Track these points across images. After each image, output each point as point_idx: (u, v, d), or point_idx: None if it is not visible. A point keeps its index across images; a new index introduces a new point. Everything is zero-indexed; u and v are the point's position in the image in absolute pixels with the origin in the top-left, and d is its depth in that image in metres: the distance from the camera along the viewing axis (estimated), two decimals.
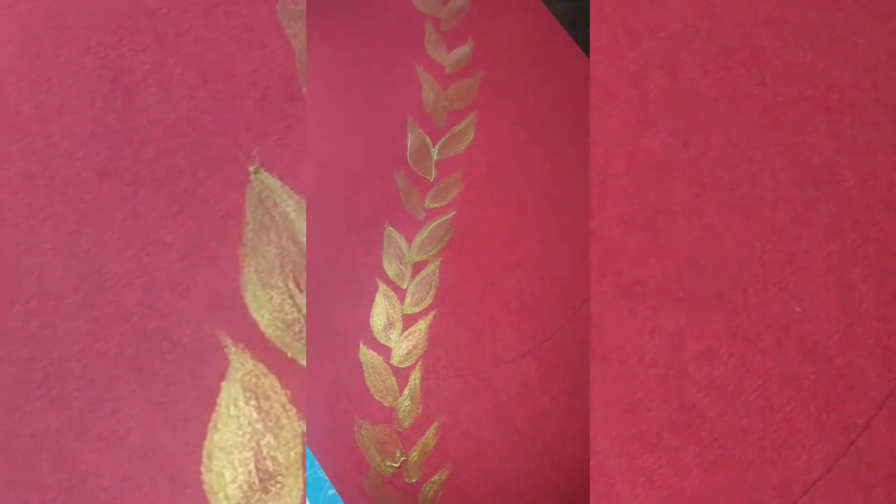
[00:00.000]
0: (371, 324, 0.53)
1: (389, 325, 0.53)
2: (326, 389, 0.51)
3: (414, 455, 0.49)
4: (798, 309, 0.38)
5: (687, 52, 0.41)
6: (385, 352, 0.52)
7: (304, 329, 0.38)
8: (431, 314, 0.53)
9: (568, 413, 0.49)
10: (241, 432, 0.37)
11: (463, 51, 0.64)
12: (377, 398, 0.51)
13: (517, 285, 0.53)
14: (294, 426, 0.37)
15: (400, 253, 0.55)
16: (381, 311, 0.53)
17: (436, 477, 0.49)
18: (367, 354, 0.52)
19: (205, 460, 0.36)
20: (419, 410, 0.51)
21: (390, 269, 0.54)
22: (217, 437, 0.37)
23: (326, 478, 0.50)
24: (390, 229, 0.55)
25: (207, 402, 0.37)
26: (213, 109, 0.39)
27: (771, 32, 0.41)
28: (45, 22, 0.39)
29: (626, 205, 0.39)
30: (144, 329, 0.37)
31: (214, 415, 0.37)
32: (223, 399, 0.37)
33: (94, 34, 0.39)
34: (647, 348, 0.37)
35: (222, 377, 0.37)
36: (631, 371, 0.37)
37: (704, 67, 0.41)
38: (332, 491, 0.51)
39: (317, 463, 0.51)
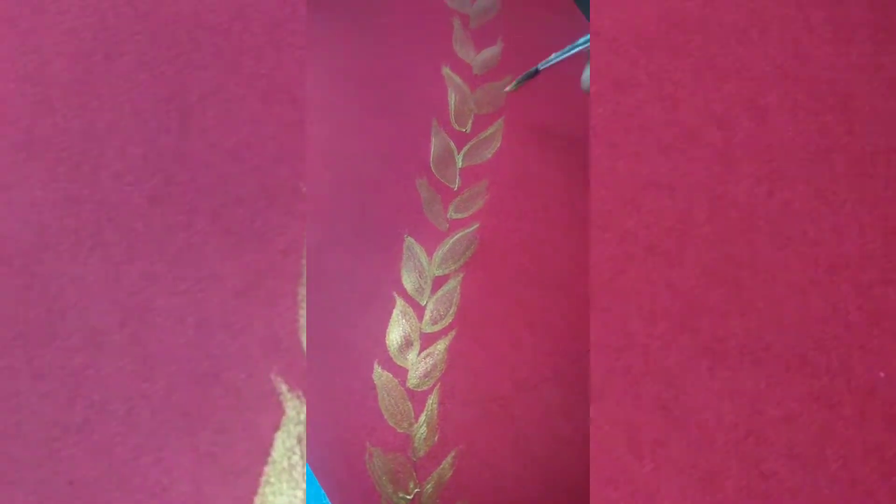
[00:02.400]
0: (387, 342, 0.51)
1: (407, 344, 0.50)
2: (336, 412, 0.49)
3: (429, 487, 0.47)
4: (883, 374, 0.36)
5: (774, 94, 0.39)
6: (401, 373, 0.50)
7: None
8: (451, 334, 0.51)
9: None
10: (295, 487, 0.34)
11: (492, 52, 0.62)
12: (391, 424, 0.49)
13: (542, 305, 0.51)
14: None
15: (420, 266, 0.52)
16: (398, 328, 0.51)
17: None
18: (381, 376, 0.50)
19: None
20: (436, 438, 0.48)
21: (409, 283, 0.52)
22: (269, 491, 0.34)
23: None
24: (410, 241, 0.53)
25: (261, 454, 0.34)
26: (274, 135, 0.36)
27: (862, 78, 0.39)
28: (97, 34, 0.36)
29: (709, 256, 0.36)
30: (194, 372, 0.34)
31: (267, 468, 0.34)
32: (277, 450, 0.34)
33: (150, 49, 0.36)
34: (725, 411, 0.35)
35: (276, 427, 0.34)
36: (709, 435, 0.35)
37: (792, 112, 0.38)
38: None
39: (323, 493, 0.48)
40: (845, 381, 0.37)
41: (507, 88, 0.57)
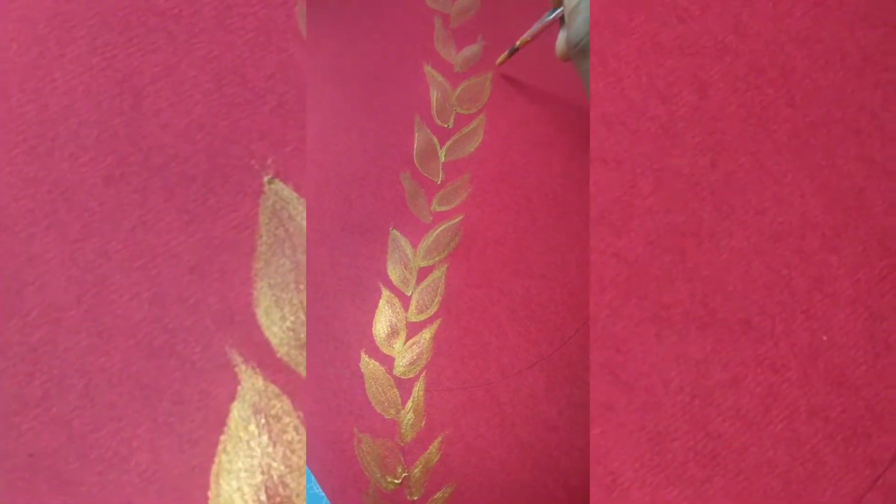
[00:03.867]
0: (373, 332, 0.52)
1: (393, 333, 0.51)
2: (325, 400, 0.50)
3: (416, 471, 0.48)
4: (825, 338, 0.37)
5: (716, 69, 0.40)
6: (388, 362, 0.51)
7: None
8: (436, 323, 0.51)
9: (576, 427, 0.48)
10: (250, 456, 0.35)
11: (473, 49, 0.63)
12: (378, 410, 0.50)
13: (525, 293, 0.52)
14: (304, 450, 0.35)
15: (405, 258, 0.53)
16: (385, 318, 0.52)
17: (439, 494, 0.48)
18: (368, 364, 0.51)
19: (212, 485, 0.35)
20: (422, 424, 0.49)
21: (395, 274, 0.53)
22: (226, 460, 0.35)
23: (323, 494, 0.49)
24: (395, 233, 0.54)
25: (216, 424, 0.35)
26: (226, 115, 0.37)
27: (801, 52, 0.40)
28: (50, 20, 0.37)
29: (653, 225, 0.37)
30: (151, 345, 0.35)
31: (223, 437, 0.35)
32: (233, 421, 0.35)
33: (102, 34, 0.37)
34: (672, 375, 0.36)
35: (232, 397, 0.35)
36: (656, 399, 0.36)
37: (733, 85, 0.39)
38: None
39: (313, 478, 0.49)
40: (789, 345, 0.37)
41: (499, 61, 0.58)
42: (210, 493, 0.35)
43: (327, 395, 0.50)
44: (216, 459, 0.35)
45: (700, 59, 0.41)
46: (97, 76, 0.37)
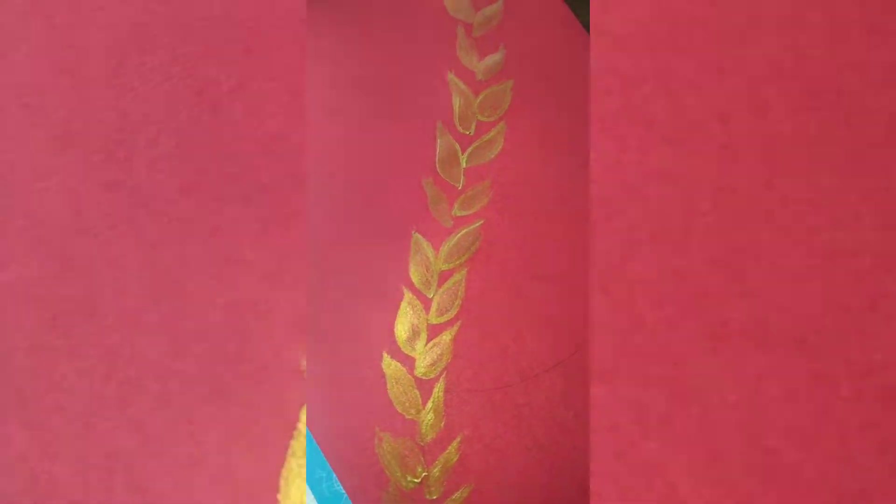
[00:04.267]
0: (395, 333, 0.53)
1: (414, 334, 0.52)
2: (347, 400, 0.50)
3: (435, 471, 0.48)
4: (879, 357, 0.37)
5: (773, 90, 0.40)
6: (409, 362, 0.51)
7: None
8: (457, 325, 0.52)
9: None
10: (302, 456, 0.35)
11: (495, 58, 0.63)
12: (399, 410, 0.50)
13: (543, 298, 0.52)
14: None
15: (427, 261, 0.54)
16: (406, 320, 0.53)
17: (457, 494, 0.49)
18: (390, 365, 0.51)
19: (282, 488, 0.35)
20: (442, 424, 0.50)
21: (416, 277, 0.54)
22: (295, 464, 0.36)
23: (344, 492, 0.49)
24: (417, 236, 0.55)
25: (286, 428, 0.36)
26: (301, 126, 0.38)
27: (857, 75, 0.41)
28: (130, 29, 0.38)
29: (711, 243, 0.38)
30: (224, 350, 0.36)
31: (293, 441, 0.36)
32: (303, 425, 0.36)
33: (181, 44, 0.38)
34: (729, 391, 0.37)
35: (302, 402, 0.36)
36: (712, 414, 0.36)
37: (790, 107, 0.40)
38: None
39: (334, 476, 0.49)
40: (843, 364, 0.38)
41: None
42: (279, 496, 0.35)
43: (349, 394, 0.51)
44: (286, 463, 0.36)
45: (758, 80, 0.41)
46: (176, 85, 0.38)
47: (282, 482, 0.36)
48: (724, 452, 0.37)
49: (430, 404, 0.51)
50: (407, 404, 0.51)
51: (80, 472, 0.34)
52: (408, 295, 0.54)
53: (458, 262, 0.55)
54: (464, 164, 0.59)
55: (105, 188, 0.36)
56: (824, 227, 0.39)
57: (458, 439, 0.50)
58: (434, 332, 0.53)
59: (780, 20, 0.42)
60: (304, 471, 0.36)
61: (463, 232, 0.56)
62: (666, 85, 0.41)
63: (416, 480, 0.49)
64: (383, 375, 0.52)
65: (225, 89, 0.37)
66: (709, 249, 0.39)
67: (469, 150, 0.60)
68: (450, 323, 0.53)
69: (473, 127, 0.61)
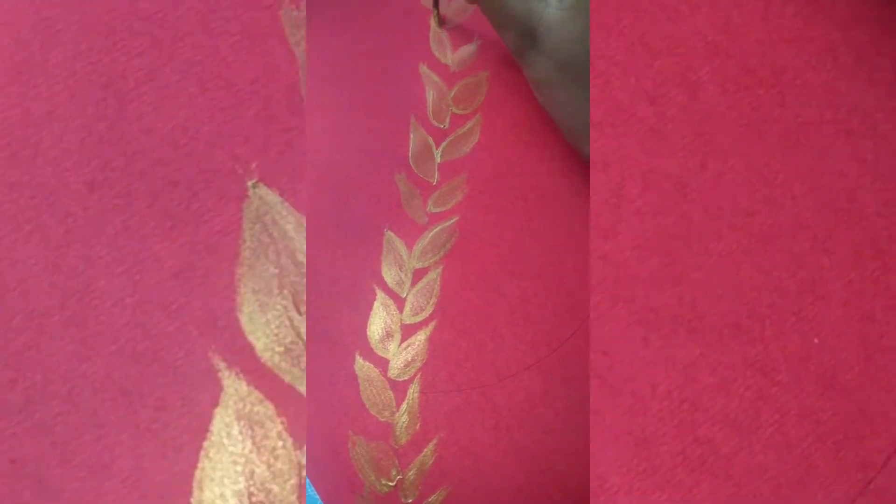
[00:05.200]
0: (368, 334, 0.52)
1: (387, 335, 0.51)
2: (319, 402, 0.49)
3: (411, 474, 0.47)
4: (817, 340, 0.37)
5: (706, 69, 0.39)
6: (382, 364, 0.50)
7: (304, 354, 0.36)
8: (432, 325, 0.51)
9: (572, 430, 0.48)
10: (234, 462, 0.35)
11: (469, 49, 0.62)
12: (373, 413, 0.49)
13: (521, 295, 0.51)
14: (290, 456, 0.35)
15: (400, 259, 0.53)
16: (379, 320, 0.52)
17: (433, 497, 0.48)
18: (363, 366, 0.50)
19: (195, 491, 0.35)
20: (417, 426, 0.49)
21: (389, 276, 0.53)
22: (209, 466, 0.35)
23: (318, 497, 0.48)
24: (390, 234, 0.54)
25: (199, 430, 0.35)
26: (211, 120, 0.37)
27: (793, 52, 0.40)
28: (34, 25, 0.37)
29: (641, 227, 0.37)
30: (133, 350, 0.35)
31: (206, 443, 0.35)
32: (216, 426, 0.35)
33: (86, 38, 0.37)
34: (660, 379, 0.36)
35: (215, 403, 0.35)
36: (643, 403, 0.36)
37: (723, 86, 0.39)
38: None
39: (308, 481, 0.49)
40: (780, 348, 0.37)
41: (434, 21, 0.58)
42: (193, 500, 0.35)
43: (321, 397, 0.50)
44: (199, 465, 0.35)
45: (690, 59, 0.40)
46: (81, 81, 0.37)
47: (195, 484, 0.35)
48: (656, 442, 0.36)
49: (404, 406, 0.50)
50: (380, 406, 0.50)
51: None
52: (380, 295, 0.53)
53: (432, 260, 0.54)
54: (438, 159, 0.58)
55: (8, 187, 0.35)
56: (759, 208, 0.39)
57: (434, 441, 0.49)
58: (408, 332, 0.52)
59: None
60: (217, 472, 0.35)
61: (438, 229, 0.55)
62: (592, 67, 0.40)
63: (390, 484, 0.49)
64: (356, 377, 0.51)
65: (132, 83, 0.36)
66: (638, 234, 0.38)
67: (444, 144, 0.59)
68: (424, 323, 0.52)
69: (448, 120, 0.60)
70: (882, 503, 0.36)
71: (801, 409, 0.37)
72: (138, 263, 0.36)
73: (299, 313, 0.37)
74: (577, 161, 0.56)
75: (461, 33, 0.63)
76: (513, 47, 0.47)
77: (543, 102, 0.47)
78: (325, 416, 0.50)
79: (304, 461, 0.36)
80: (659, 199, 0.39)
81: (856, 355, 0.37)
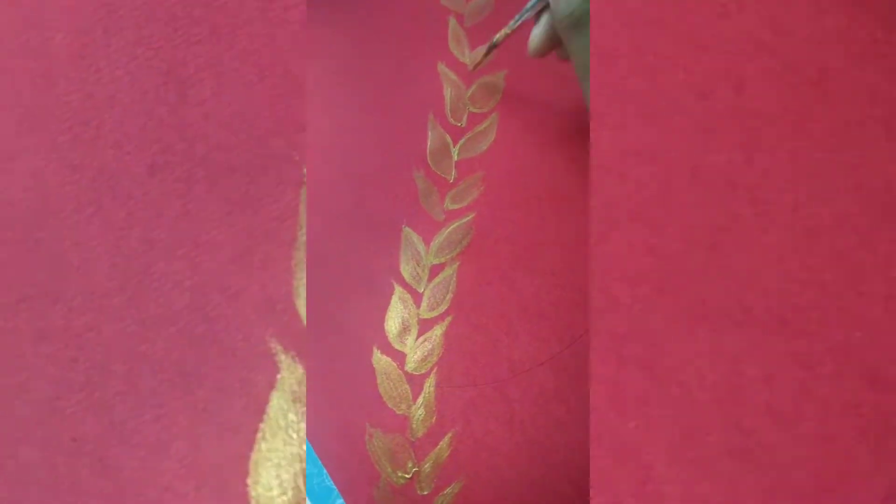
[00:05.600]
0: (385, 328, 0.52)
1: (405, 329, 0.51)
2: (337, 395, 0.50)
3: (427, 466, 0.48)
4: (859, 335, 0.37)
5: (753, 66, 0.40)
6: (399, 358, 0.51)
7: None
8: (448, 319, 0.52)
9: (585, 425, 0.48)
10: (290, 444, 0.35)
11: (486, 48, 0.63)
12: (390, 406, 0.50)
13: (536, 291, 0.52)
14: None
15: (417, 255, 0.53)
16: (397, 314, 0.52)
17: (448, 489, 0.48)
18: (380, 360, 0.51)
19: (251, 472, 0.35)
20: (433, 420, 0.50)
21: (407, 271, 0.53)
22: (265, 448, 0.35)
23: (334, 487, 0.49)
24: (408, 230, 0.54)
25: (256, 412, 0.35)
26: (269, 107, 0.38)
27: (838, 50, 0.40)
28: (96, 10, 0.38)
29: (690, 222, 0.38)
30: (192, 333, 0.36)
31: (263, 425, 0.35)
32: (272, 409, 0.36)
33: (147, 24, 0.38)
34: (706, 371, 0.36)
35: (272, 386, 0.36)
36: (690, 395, 0.36)
37: (770, 83, 0.40)
38: (341, 501, 0.50)
39: (325, 471, 0.49)
40: (823, 342, 0.38)
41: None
42: (249, 481, 0.35)
43: (339, 390, 0.51)
44: (255, 447, 0.35)
45: (737, 56, 0.41)
46: (142, 66, 0.38)
47: (251, 466, 0.35)
48: (702, 433, 0.37)
49: (420, 399, 0.51)
50: (397, 399, 0.51)
51: (47, 457, 0.34)
52: (398, 289, 0.54)
53: (449, 256, 0.54)
54: (455, 157, 0.59)
55: (71, 170, 0.35)
56: (805, 203, 0.39)
57: (450, 435, 0.50)
58: (425, 326, 0.53)
59: None
60: (274, 455, 0.35)
61: (454, 225, 0.55)
62: (642, 61, 0.41)
63: (406, 476, 0.49)
64: (373, 371, 0.52)
65: (192, 69, 0.37)
66: (686, 227, 0.39)
67: (461, 142, 0.59)
68: (441, 317, 0.53)
69: (465, 118, 0.60)
70: None
71: (843, 403, 0.37)
72: (197, 247, 0.36)
73: None
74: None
75: (479, 32, 0.63)
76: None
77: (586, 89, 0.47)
78: (342, 409, 0.50)
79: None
80: (706, 192, 0.39)
81: None
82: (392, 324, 0.53)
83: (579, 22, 0.45)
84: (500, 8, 0.65)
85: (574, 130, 0.58)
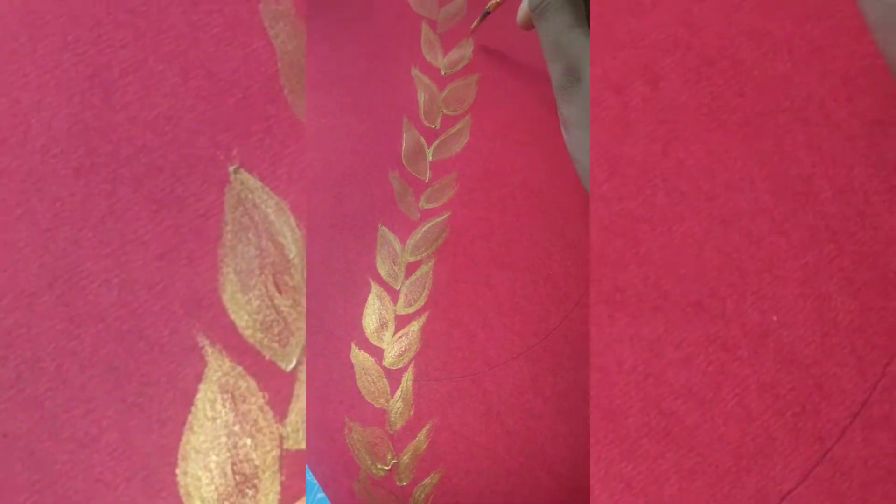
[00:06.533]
0: (363, 324, 0.53)
1: (382, 326, 0.52)
2: (317, 390, 0.51)
3: (405, 458, 0.49)
4: (775, 318, 0.38)
5: (668, 61, 0.41)
6: (377, 353, 0.52)
7: (287, 331, 0.37)
8: (424, 315, 0.53)
9: (560, 415, 0.49)
10: (217, 434, 0.36)
11: (459, 53, 0.64)
12: (368, 400, 0.51)
13: (510, 287, 0.53)
14: (272, 429, 0.36)
15: (393, 253, 0.55)
16: (374, 311, 0.53)
17: (427, 480, 0.49)
18: (358, 356, 0.52)
19: (180, 462, 0.36)
20: (411, 412, 0.50)
21: (383, 269, 0.54)
22: (193, 438, 0.36)
23: (315, 481, 0.50)
24: (384, 229, 0.56)
25: (184, 404, 0.36)
26: (193, 108, 0.38)
27: (751, 44, 0.41)
28: (22, 17, 0.39)
29: (607, 211, 0.39)
30: (120, 329, 0.36)
31: (190, 416, 0.36)
32: (200, 400, 0.36)
33: (72, 30, 0.39)
34: (626, 355, 0.37)
35: (199, 378, 0.36)
36: (609, 378, 0.37)
37: (685, 77, 0.41)
38: (321, 494, 0.50)
39: (305, 465, 0.50)
40: (740, 325, 0.39)
41: (473, 26, 0.60)
42: (178, 470, 0.36)
43: (319, 386, 0.52)
44: (184, 438, 0.36)
45: (652, 51, 0.42)
46: (68, 71, 0.39)
47: (180, 457, 0.36)
48: (622, 414, 0.37)
49: (398, 393, 0.52)
50: (376, 394, 0.52)
51: None
52: (375, 287, 0.55)
53: (425, 254, 0.56)
54: (430, 158, 0.60)
55: None
56: (720, 192, 0.40)
57: (428, 427, 0.51)
58: (402, 322, 0.54)
59: None
60: (202, 445, 0.36)
61: (430, 224, 0.57)
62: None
63: (386, 468, 0.50)
64: (352, 366, 0.53)
65: (117, 73, 0.38)
66: (604, 216, 0.40)
67: (435, 143, 0.60)
68: (418, 313, 0.54)
69: (439, 121, 0.61)
70: (838, 472, 0.37)
71: (760, 384, 0.38)
72: (124, 245, 0.37)
73: (280, 292, 0.38)
74: (563, 160, 0.58)
75: (452, 37, 0.65)
76: (557, 81, 0.48)
77: (569, 142, 0.48)
78: (321, 404, 0.51)
79: (284, 433, 0.37)
80: (623, 183, 0.40)
81: (812, 332, 0.38)
82: (370, 320, 0.54)
83: (545, 11, 0.46)
84: (471, 14, 0.66)
85: (546, 130, 0.59)
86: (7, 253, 0.36)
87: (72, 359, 0.36)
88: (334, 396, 0.52)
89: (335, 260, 0.56)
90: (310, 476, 0.50)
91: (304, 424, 0.36)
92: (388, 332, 0.53)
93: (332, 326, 0.54)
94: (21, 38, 0.39)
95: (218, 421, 0.36)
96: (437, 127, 0.61)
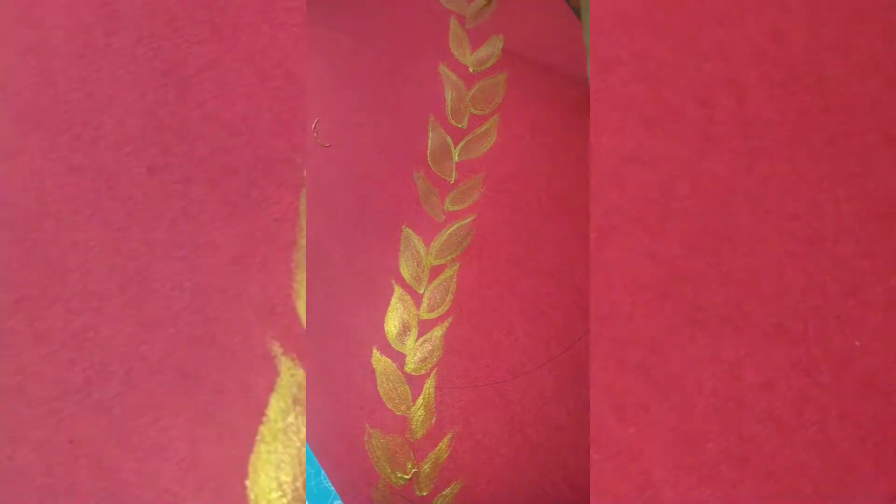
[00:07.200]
0: (385, 328, 0.52)
1: (404, 330, 0.51)
2: (336, 395, 0.50)
3: (426, 467, 0.48)
4: (858, 343, 0.37)
5: (753, 74, 0.40)
6: (399, 358, 0.51)
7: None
8: (448, 321, 0.52)
9: (584, 427, 0.49)
10: (289, 446, 0.35)
11: (488, 50, 0.63)
12: (389, 406, 0.50)
13: (535, 293, 0.52)
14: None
15: (417, 256, 0.54)
16: (397, 315, 0.52)
17: (447, 490, 0.48)
18: (380, 361, 0.51)
19: (251, 474, 0.35)
20: (433, 420, 0.50)
21: (407, 272, 0.53)
22: (264, 450, 0.35)
23: (332, 488, 0.49)
24: (408, 231, 0.55)
25: (255, 414, 0.35)
26: (269, 109, 0.37)
27: (838, 60, 0.40)
28: (96, 9, 0.37)
29: (690, 228, 0.38)
30: (191, 334, 0.35)
31: (262, 427, 0.35)
32: (272, 411, 0.35)
33: (148, 24, 0.38)
34: (706, 377, 0.36)
35: (271, 388, 0.35)
36: (690, 400, 0.36)
37: (770, 92, 0.40)
38: (339, 502, 0.49)
39: (322, 472, 0.49)
40: (822, 350, 0.38)
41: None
42: (248, 483, 0.35)
43: (339, 390, 0.51)
44: (254, 449, 0.35)
45: (738, 63, 0.41)
46: (142, 66, 0.37)
47: (250, 468, 0.35)
48: (701, 439, 0.36)
49: (420, 400, 0.51)
50: (397, 400, 0.51)
51: (44, 458, 0.33)
52: (398, 290, 0.54)
53: (449, 258, 0.55)
54: (456, 158, 0.59)
55: (70, 170, 0.35)
56: (804, 212, 0.39)
57: (449, 436, 0.50)
58: (425, 327, 0.53)
59: (760, 2, 0.42)
60: (273, 457, 0.35)
61: (455, 227, 0.56)
62: (642, 68, 0.41)
63: (405, 477, 0.49)
64: (373, 371, 0.52)
65: (192, 70, 0.36)
66: (687, 234, 0.38)
67: (461, 143, 0.59)
68: (441, 318, 0.53)
69: (466, 120, 0.60)
70: None
71: (841, 410, 0.37)
72: (197, 248, 0.36)
73: None
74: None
75: (481, 34, 0.64)
76: None
77: None
78: (341, 409, 0.50)
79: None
80: (707, 199, 0.39)
81: (895, 358, 0.37)
82: (392, 325, 0.53)
83: None
84: (500, 9, 0.65)
85: (575, 133, 0.58)
86: (77, 253, 0.35)
87: (141, 364, 0.35)
88: (354, 402, 0.51)
89: (357, 261, 0.55)
90: (326, 483, 0.49)
91: None
92: (410, 337, 0.52)
93: (353, 329, 0.53)
94: (95, 31, 0.37)
95: (290, 432, 0.35)
96: (465, 126, 0.60)
